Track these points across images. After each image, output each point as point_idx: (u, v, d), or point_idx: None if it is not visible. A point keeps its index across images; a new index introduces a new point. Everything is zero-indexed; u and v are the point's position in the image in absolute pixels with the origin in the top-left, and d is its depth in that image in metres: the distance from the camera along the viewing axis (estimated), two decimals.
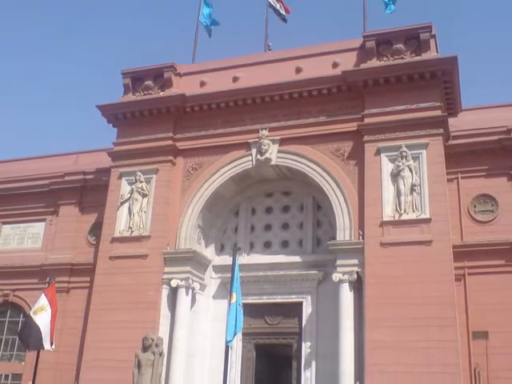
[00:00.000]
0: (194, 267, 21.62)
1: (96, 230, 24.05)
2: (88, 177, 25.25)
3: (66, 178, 25.59)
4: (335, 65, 21.63)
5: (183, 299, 21.09)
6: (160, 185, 22.33)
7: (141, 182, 22.52)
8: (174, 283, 21.09)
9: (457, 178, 20.65)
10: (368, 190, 19.71)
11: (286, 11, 26.40)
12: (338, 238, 19.89)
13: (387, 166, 19.80)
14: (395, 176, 19.63)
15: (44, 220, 26.04)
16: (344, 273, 19.28)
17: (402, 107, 20.18)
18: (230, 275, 16.83)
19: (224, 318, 17.33)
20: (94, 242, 23.95)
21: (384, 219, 19.15)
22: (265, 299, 21.60)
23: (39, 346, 16.29)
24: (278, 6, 26.06)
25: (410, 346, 17.42)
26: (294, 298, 21.34)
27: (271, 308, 21.59)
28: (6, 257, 25.57)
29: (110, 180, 23.29)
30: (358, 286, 19.27)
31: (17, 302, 24.69)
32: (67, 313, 22.90)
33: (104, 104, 23.89)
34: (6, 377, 23.74)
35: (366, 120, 20.47)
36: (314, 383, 19.96)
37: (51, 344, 16.40)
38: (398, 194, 19.41)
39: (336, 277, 19.34)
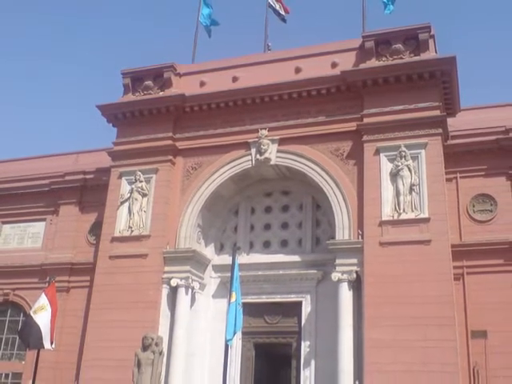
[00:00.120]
0: (194, 266, 21.68)
1: (96, 229, 24.11)
2: (88, 176, 25.32)
3: (66, 178, 25.66)
4: (334, 65, 21.68)
5: (183, 298, 21.15)
6: (160, 184, 22.39)
7: (141, 181, 22.57)
8: (173, 282, 21.15)
9: (455, 178, 20.71)
10: (367, 189, 19.77)
11: (286, 11, 26.47)
12: (337, 238, 19.95)
13: (386, 166, 19.86)
14: (394, 176, 19.69)
15: (44, 220, 26.11)
16: (343, 272, 19.34)
17: (401, 107, 20.23)
18: (229, 274, 16.89)
19: (223, 317, 17.40)
20: (94, 242, 24.01)
21: (383, 219, 19.22)
22: (264, 298, 21.66)
23: (39, 345, 16.31)
24: (277, 7, 26.12)
25: (409, 345, 17.48)
26: (293, 298, 21.40)
27: (271, 307, 21.64)
28: (7, 256, 25.63)
29: (109, 180, 23.35)
30: (357, 285, 19.33)
31: (17, 301, 24.74)
32: (67, 312, 22.96)
33: (104, 104, 23.94)
34: (7, 376, 23.81)
35: (365, 120, 20.53)
36: (314, 382, 20.03)
37: (51, 343, 16.42)
38: (397, 193, 19.47)
39: (335, 276, 19.40)
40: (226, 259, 22.14)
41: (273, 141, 21.57)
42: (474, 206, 20.44)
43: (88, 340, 21.12)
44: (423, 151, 19.62)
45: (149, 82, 23.75)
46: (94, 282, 22.02)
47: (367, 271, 18.78)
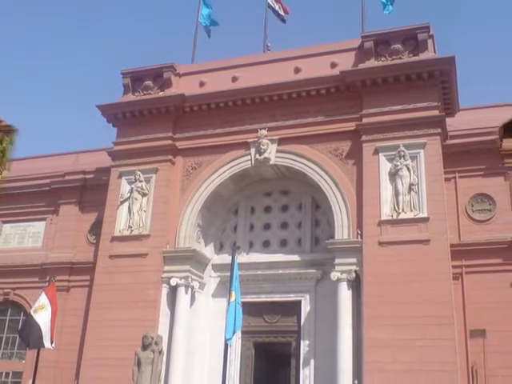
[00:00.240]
0: (194, 266, 21.74)
1: (96, 228, 24.16)
2: (88, 176, 25.38)
3: (67, 178, 25.72)
4: (333, 65, 21.73)
5: (183, 298, 21.21)
6: (159, 184, 22.44)
7: (140, 181, 22.63)
8: (173, 282, 21.20)
9: (454, 178, 20.76)
10: (366, 189, 19.83)
11: (285, 12, 26.52)
12: (336, 237, 20.01)
13: (385, 166, 19.91)
14: (393, 175, 19.74)
15: (44, 219, 26.17)
16: (342, 271, 19.40)
17: (400, 107, 20.29)
18: (229, 274, 16.90)
19: (223, 316, 17.43)
20: (94, 241, 24.07)
21: (382, 218, 19.27)
22: (264, 298, 21.71)
23: (39, 345, 16.35)
24: (276, 7, 26.16)
25: (408, 344, 17.53)
26: (292, 297, 21.46)
27: (270, 306, 21.69)
28: (7, 256, 25.66)
29: (109, 179, 23.40)
30: (356, 284, 19.39)
31: (17, 300, 24.78)
32: (67, 311, 23.02)
33: (104, 104, 23.99)
34: (7, 375, 23.87)
35: (364, 120, 20.59)
36: (313, 381, 20.09)
37: (51, 342, 16.45)
38: (396, 193, 19.53)
39: (334, 275, 19.46)
40: (225, 258, 22.19)
41: (272, 141, 21.63)
42: (472, 206, 20.50)
43: (88, 339, 21.18)
44: (422, 151, 19.67)
45: (149, 82, 23.80)
46: (94, 282, 22.08)
47: (366, 271, 18.84)
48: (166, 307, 21.30)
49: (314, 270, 21.22)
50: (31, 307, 18.00)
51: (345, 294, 19.25)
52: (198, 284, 21.94)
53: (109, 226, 22.54)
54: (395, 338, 17.69)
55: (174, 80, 23.62)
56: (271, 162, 21.67)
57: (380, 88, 20.63)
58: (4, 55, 61.95)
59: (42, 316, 16.36)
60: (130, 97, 23.97)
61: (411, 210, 19.20)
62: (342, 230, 19.94)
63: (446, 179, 20.08)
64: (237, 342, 21.15)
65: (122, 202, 22.70)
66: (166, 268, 21.49)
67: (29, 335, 16.39)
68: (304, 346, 20.66)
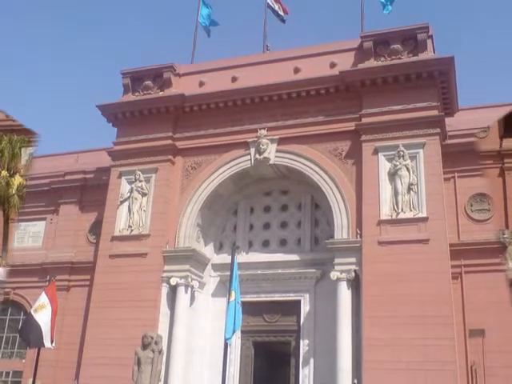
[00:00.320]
0: (193, 265, 21.77)
1: (96, 228, 24.19)
2: (88, 176, 25.44)
3: (67, 177, 25.78)
4: (333, 65, 21.77)
5: (182, 297, 21.24)
6: (159, 184, 22.48)
7: (140, 181, 22.66)
8: (173, 281, 21.24)
9: (453, 177, 20.78)
10: (366, 188, 19.86)
11: (285, 12, 26.57)
12: (335, 237, 20.05)
13: (385, 166, 19.94)
14: (392, 175, 19.78)
15: (44, 219, 26.21)
16: (342, 271, 19.43)
17: (400, 107, 20.32)
18: (228, 273, 16.96)
19: (223, 315, 17.46)
20: (94, 241, 24.10)
21: (381, 218, 19.31)
22: (263, 297, 21.75)
23: (40, 344, 16.37)
24: (276, 7, 26.22)
25: (407, 343, 17.58)
26: (292, 296, 21.50)
27: (269, 306, 21.74)
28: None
29: (109, 179, 23.44)
30: (355, 284, 19.43)
31: (17, 300, 24.84)
32: (67, 311, 23.05)
33: (104, 104, 24.02)
34: (7, 374, 23.93)
35: (364, 120, 20.62)
36: (312, 380, 20.13)
37: (51, 342, 16.46)
38: (396, 192, 19.56)
39: (334, 275, 19.49)
40: (225, 258, 22.23)
41: (272, 140, 21.66)
42: (471, 206, 20.52)
43: (88, 338, 21.23)
44: (421, 151, 19.71)
45: (148, 82, 23.84)
46: (94, 281, 22.12)
47: (366, 270, 18.87)
48: (165, 307, 21.34)
49: (314, 270, 21.25)
50: (31, 307, 18.01)
51: (344, 294, 19.28)
52: (197, 283, 21.97)
53: (109, 226, 22.58)
54: (394, 337, 17.73)
55: (174, 80, 23.66)
56: (271, 162, 21.70)
57: (379, 88, 20.66)
58: (4, 55, 62.03)
59: (42, 315, 16.38)
60: (130, 97, 24.01)
61: (410, 210, 19.24)
62: (342, 229, 19.97)
63: (446, 179, 20.10)
64: (236, 341, 21.19)
65: (121, 202, 22.74)
66: (166, 267, 21.52)
67: (29, 335, 16.42)
68: (303, 345, 20.70)
